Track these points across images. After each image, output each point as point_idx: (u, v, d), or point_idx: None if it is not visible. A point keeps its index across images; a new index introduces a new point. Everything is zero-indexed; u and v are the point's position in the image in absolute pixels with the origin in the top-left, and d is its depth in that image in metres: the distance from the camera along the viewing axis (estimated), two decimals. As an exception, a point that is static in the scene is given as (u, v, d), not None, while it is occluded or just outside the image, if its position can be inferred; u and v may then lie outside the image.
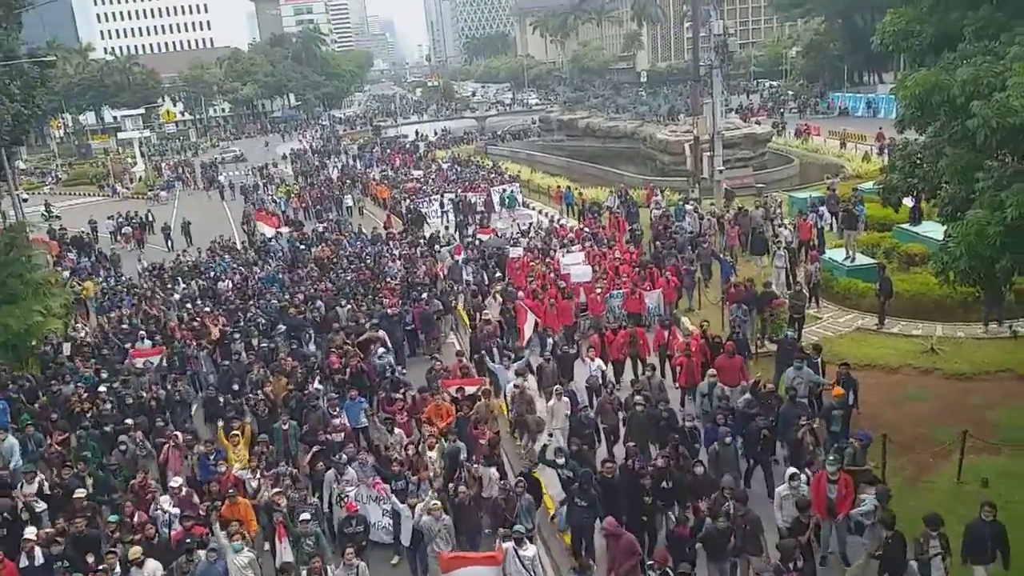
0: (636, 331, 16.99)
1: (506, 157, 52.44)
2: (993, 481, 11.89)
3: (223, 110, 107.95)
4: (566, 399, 13.96)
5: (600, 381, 14.76)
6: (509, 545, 9.94)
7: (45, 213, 41.90)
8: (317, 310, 21.03)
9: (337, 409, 14.68)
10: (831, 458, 11.02)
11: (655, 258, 22.59)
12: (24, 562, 10.69)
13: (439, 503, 11.02)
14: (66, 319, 23.31)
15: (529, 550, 9.98)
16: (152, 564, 10.28)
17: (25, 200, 37.49)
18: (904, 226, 22.63)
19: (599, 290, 19.78)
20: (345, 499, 11.79)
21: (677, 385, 15.84)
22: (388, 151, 58.69)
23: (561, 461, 11.96)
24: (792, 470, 10.95)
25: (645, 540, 11.01)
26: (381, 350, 17.55)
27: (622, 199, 32.01)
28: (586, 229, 27.75)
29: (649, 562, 9.83)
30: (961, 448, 12.16)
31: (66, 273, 29.25)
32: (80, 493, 12.09)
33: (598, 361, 15.68)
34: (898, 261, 20.84)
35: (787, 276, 20.70)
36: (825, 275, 20.33)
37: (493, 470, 12.20)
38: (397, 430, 13.74)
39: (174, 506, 11.89)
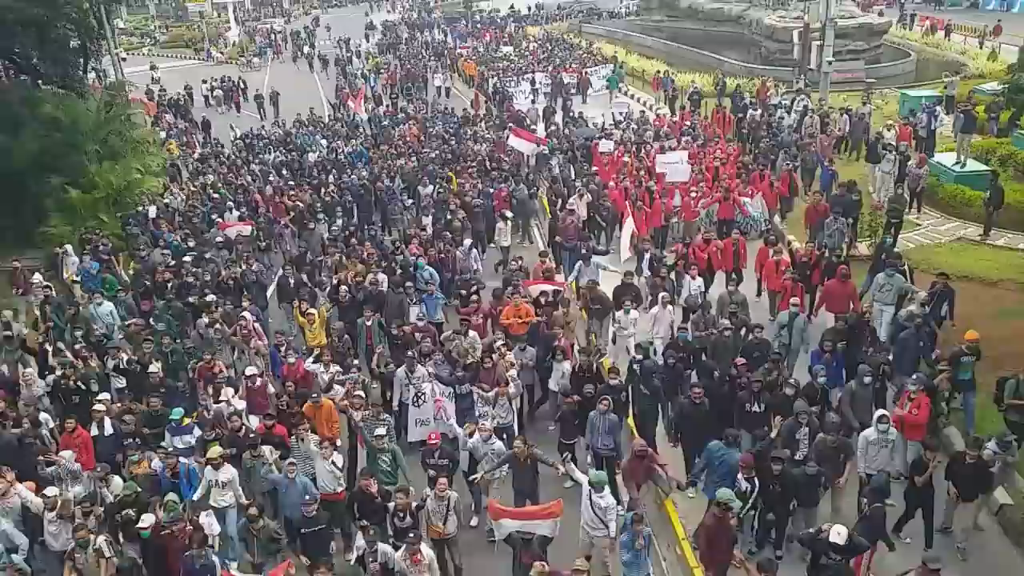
0: (739, 240, 15.62)
1: (601, 36, 50.35)
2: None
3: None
4: (671, 307, 13.42)
5: (699, 301, 13.70)
6: (585, 488, 9.11)
7: (152, 72, 42.66)
8: (398, 188, 20.79)
9: (413, 300, 14.20)
10: (914, 377, 10.57)
11: (756, 159, 21.10)
12: (94, 431, 10.95)
13: (487, 425, 10.28)
14: (163, 179, 24.10)
15: (605, 498, 8.94)
16: (230, 470, 9.87)
17: (124, 59, 38.13)
18: (1025, 132, 20.97)
19: (694, 194, 18.30)
20: (422, 397, 11.22)
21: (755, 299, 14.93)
22: (479, 26, 57.10)
23: (640, 357, 11.76)
24: (881, 412, 9.98)
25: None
26: (474, 251, 16.63)
27: (720, 88, 30.30)
28: (686, 123, 25.86)
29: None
30: (1053, 368, 11.56)
31: (163, 134, 30.05)
32: (154, 368, 12.15)
33: (699, 280, 14.46)
34: (1013, 170, 19.48)
35: (894, 182, 19.03)
36: (931, 180, 19.15)
37: (567, 364, 11.96)
38: (472, 333, 12.92)
39: (240, 398, 11.56)
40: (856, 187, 17.78)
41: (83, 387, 12.11)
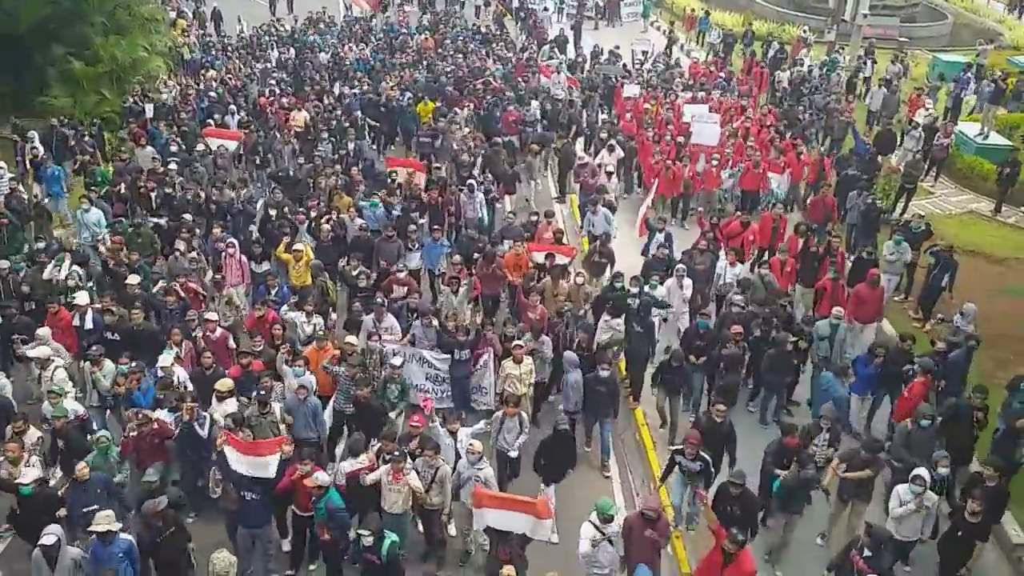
0: (781, 218, 14.13)
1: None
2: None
3: None
4: (688, 281, 12.12)
5: (736, 290, 11.91)
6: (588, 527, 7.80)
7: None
8: (402, 101, 19.59)
9: (416, 246, 12.93)
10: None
11: (788, 125, 19.14)
12: (76, 322, 10.72)
13: (478, 443, 8.62)
14: (167, 61, 23.34)
15: (611, 526, 7.79)
16: (233, 404, 9.23)
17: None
18: (1054, 109, 20.50)
19: (716, 161, 16.33)
20: (389, 360, 10.21)
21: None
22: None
23: (635, 290, 11.56)
24: (919, 471, 8.21)
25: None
26: (479, 195, 14.69)
27: (749, 35, 27.87)
28: (720, 75, 23.51)
29: (677, 446, 9.04)
30: (1046, 349, 11.57)
31: (172, 13, 28.99)
32: (134, 280, 11.40)
33: (739, 267, 12.68)
34: (1036, 148, 19.09)
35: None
36: (951, 149, 18.75)
37: (548, 341, 10.76)
38: (462, 290, 11.86)
39: (185, 356, 10.22)
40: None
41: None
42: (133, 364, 9.73)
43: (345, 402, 9.77)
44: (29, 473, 8.15)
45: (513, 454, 9.27)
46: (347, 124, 18.11)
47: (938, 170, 18.61)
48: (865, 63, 24.35)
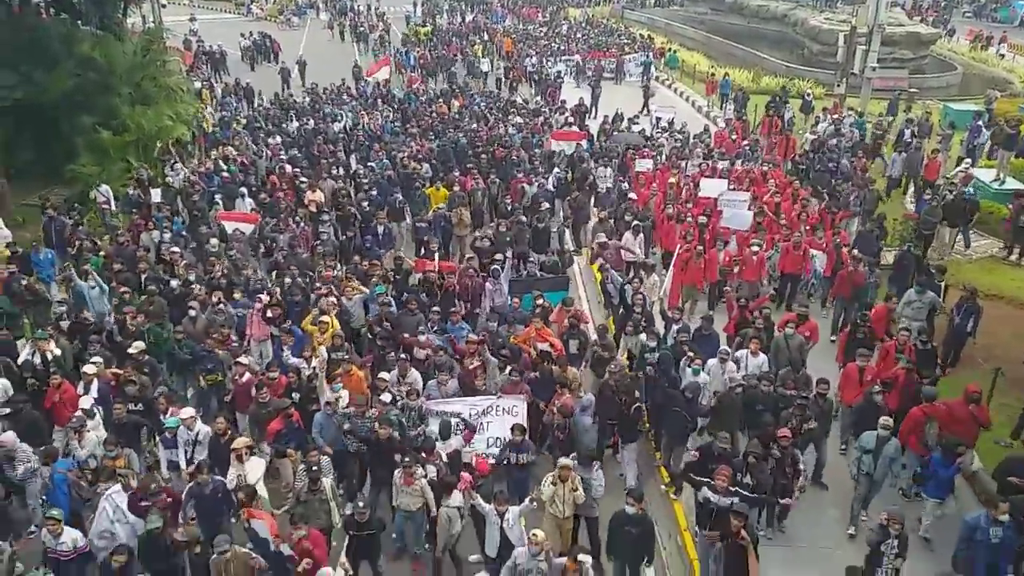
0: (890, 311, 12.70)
1: (642, 24, 49.90)
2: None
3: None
4: (732, 364, 11.13)
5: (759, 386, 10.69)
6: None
7: (191, 24, 42.23)
8: (420, 171, 18.99)
9: (434, 328, 12.35)
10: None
11: (829, 196, 17.82)
12: (81, 391, 10.80)
13: (541, 534, 8.03)
14: (193, 130, 23.84)
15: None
16: (257, 463, 9.42)
17: (164, 6, 37.83)
18: (1070, 154, 20.48)
19: (756, 248, 14.49)
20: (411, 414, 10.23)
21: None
22: (521, 4, 56.43)
23: (652, 344, 11.32)
24: None
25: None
26: (504, 285, 13.80)
27: (775, 105, 25.16)
28: (744, 143, 21.89)
29: (704, 479, 8.74)
30: (1076, 393, 11.33)
31: (197, 84, 29.88)
32: (137, 346, 11.45)
33: (762, 356, 11.41)
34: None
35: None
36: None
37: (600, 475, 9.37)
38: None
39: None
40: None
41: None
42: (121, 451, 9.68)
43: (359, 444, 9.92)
44: None
45: None
46: (382, 208, 17.01)
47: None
48: (903, 129, 22.61)
